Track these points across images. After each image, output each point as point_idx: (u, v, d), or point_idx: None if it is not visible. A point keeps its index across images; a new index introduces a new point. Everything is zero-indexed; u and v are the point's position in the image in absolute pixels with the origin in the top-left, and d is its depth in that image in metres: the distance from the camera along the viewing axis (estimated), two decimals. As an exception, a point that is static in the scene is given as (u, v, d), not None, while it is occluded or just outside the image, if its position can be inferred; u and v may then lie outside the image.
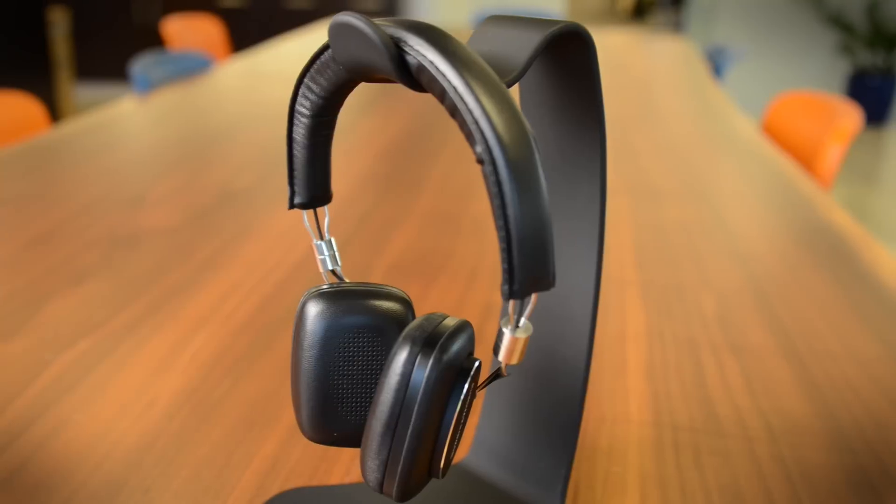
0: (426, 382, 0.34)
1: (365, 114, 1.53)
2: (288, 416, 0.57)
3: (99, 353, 0.64)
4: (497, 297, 0.77)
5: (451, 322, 0.36)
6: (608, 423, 0.57)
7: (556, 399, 0.47)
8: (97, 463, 0.51)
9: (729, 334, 0.71)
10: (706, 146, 1.39)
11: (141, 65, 1.80)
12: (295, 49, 2.30)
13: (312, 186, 0.42)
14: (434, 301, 0.75)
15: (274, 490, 0.49)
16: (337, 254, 0.43)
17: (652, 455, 0.54)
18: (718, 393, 0.62)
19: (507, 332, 0.34)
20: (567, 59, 0.41)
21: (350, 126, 1.43)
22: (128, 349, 0.65)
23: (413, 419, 0.34)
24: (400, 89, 1.78)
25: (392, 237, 0.91)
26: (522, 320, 0.34)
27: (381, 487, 0.36)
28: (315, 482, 0.50)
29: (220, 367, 0.63)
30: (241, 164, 1.16)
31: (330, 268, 0.43)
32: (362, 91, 1.74)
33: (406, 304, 0.40)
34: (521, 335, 0.34)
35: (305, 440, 0.54)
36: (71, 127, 1.33)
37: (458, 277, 0.81)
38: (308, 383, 0.39)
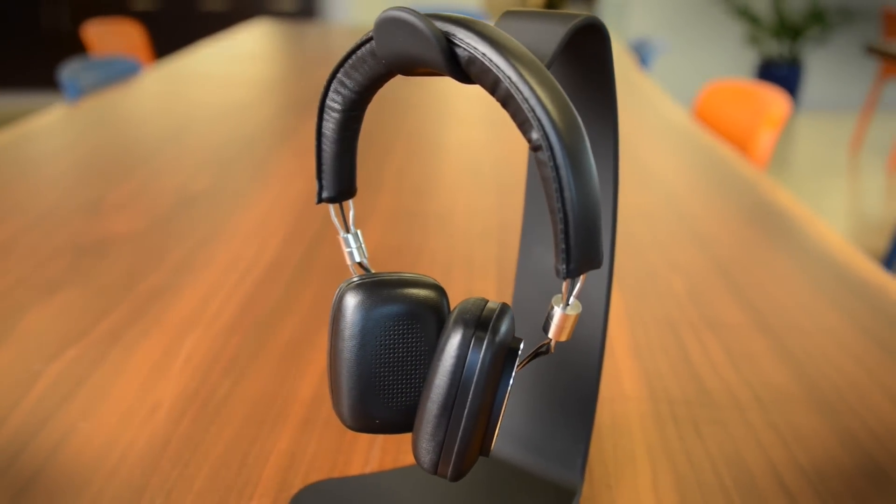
0: (482, 363, 0.35)
1: (306, 115, 1.53)
2: (296, 412, 0.57)
3: (89, 360, 0.63)
4: (477, 287, 0.78)
5: (494, 305, 0.38)
6: (607, 401, 0.60)
7: (572, 378, 0.49)
8: (112, 469, 0.50)
9: (703, 312, 0.74)
10: (645, 136, 1.43)
11: (69, 71, 1.75)
12: (222, 50, 2.27)
13: (340, 181, 0.42)
14: (416, 294, 0.76)
15: (297, 484, 0.50)
16: (363, 246, 0.44)
17: (654, 429, 0.56)
18: (704, 367, 0.65)
19: (558, 309, 0.35)
20: (583, 50, 0.43)
21: (296, 126, 1.42)
22: (118, 356, 0.64)
23: (469, 400, 0.36)
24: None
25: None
26: (572, 299, 0.36)
27: (435, 469, 0.37)
28: (336, 474, 0.51)
29: (217, 369, 0.62)
30: (194, 166, 1.15)
31: (357, 260, 0.44)
32: (301, 92, 1.74)
33: (440, 291, 0.41)
34: (572, 313, 0.35)
35: (319, 434, 0.55)
36: (3, 137, 1.29)
37: (435, 271, 0.82)
38: (351, 373, 0.40)
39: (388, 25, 0.35)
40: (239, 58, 2.16)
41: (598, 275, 0.47)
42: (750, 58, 5.60)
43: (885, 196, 3.74)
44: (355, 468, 0.51)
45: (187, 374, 0.62)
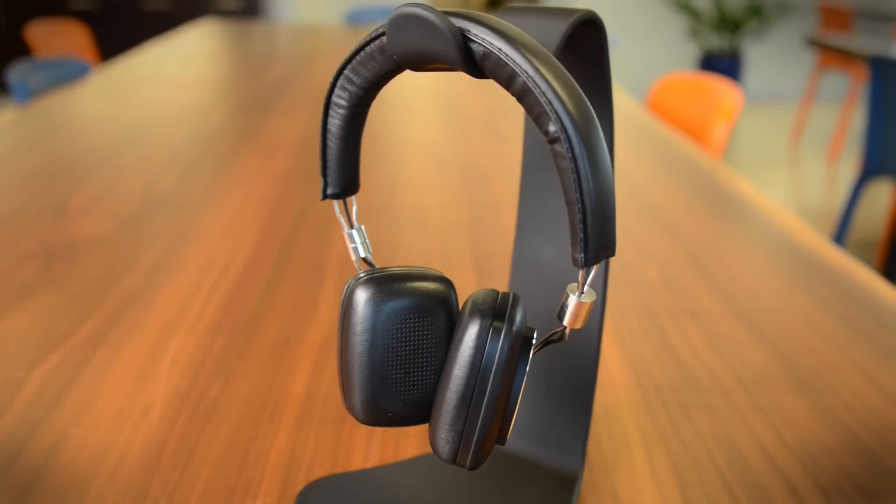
0: (500, 353, 0.36)
1: (265, 115, 1.52)
2: (291, 409, 0.57)
3: (73, 365, 0.62)
4: (458, 280, 0.79)
5: (506, 295, 0.38)
6: (597, 389, 0.61)
7: (572, 366, 0.50)
8: (111, 473, 0.50)
9: (679, 300, 0.76)
10: (605, 129, 1.45)
11: (17, 72, 1.71)
12: (171, 51, 2.24)
13: (344, 177, 0.43)
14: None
15: (300, 481, 0.50)
16: (367, 241, 0.45)
17: (645, 414, 0.58)
18: (686, 353, 0.66)
19: (573, 297, 0.36)
20: (581, 44, 0.44)
21: (256, 126, 1.41)
22: (103, 359, 0.63)
23: (489, 389, 0.36)
24: (292, 89, 1.77)
25: (334, 233, 0.91)
26: (586, 286, 0.36)
27: (454, 458, 0.38)
28: (338, 469, 0.51)
29: (205, 369, 0.62)
30: (157, 167, 1.14)
31: (362, 255, 0.44)
32: (254, 93, 1.72)
33: (448, 283, 0.41)
34: (587, 300, 0.36)
35: (316, 430, 0.55)
36: (-41, 140, 1.26)
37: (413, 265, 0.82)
38: (363, 368, 0.40)
39: (403, 21, 0.35)
40: (188, 58, 2.13)
41: (595, 264, 0.48)
42: (691, 51, 5.70)
43: (825, 184, 3.84)
44: (356, 463, 0.52)
45: (176, 376, 0.61)
